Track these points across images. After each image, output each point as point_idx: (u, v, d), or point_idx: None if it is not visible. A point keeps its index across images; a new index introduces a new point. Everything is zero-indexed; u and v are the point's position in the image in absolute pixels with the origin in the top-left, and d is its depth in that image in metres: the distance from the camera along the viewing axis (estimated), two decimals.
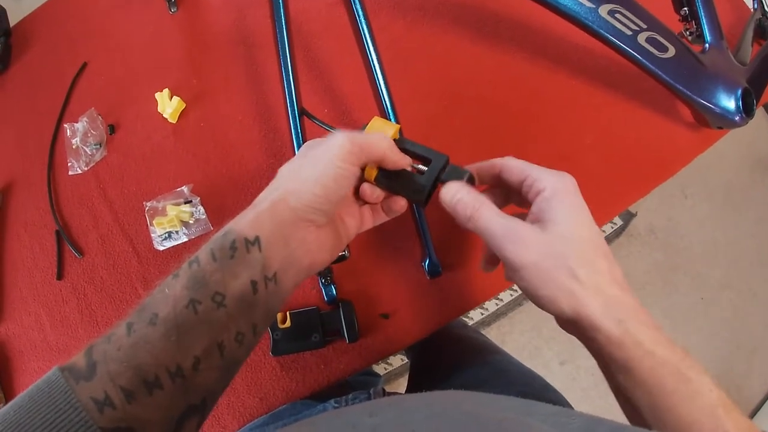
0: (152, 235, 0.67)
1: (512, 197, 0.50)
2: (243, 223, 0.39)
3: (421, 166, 0.48)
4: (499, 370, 0.69)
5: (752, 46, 0.68)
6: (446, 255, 0.62)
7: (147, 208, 0.68)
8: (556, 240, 0.41)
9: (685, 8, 0.64)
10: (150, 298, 0.36)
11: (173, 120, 0.72)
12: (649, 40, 0.57)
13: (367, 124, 0.49)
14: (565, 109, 0.68)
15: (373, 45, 0.65)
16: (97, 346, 0.34)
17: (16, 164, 0.76)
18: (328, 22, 0.74)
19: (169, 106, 0.71)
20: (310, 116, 0.60)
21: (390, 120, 0.63)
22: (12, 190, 0.74)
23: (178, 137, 0.72)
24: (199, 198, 0.67)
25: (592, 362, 0.42)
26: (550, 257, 0.40)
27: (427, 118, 0.68)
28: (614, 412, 0.39)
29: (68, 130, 0.74)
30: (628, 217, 1.88)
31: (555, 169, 0.45)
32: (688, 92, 0.59)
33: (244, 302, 0.37)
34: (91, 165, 0.72)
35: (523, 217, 0.45)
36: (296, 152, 0.58)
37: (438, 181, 0.47)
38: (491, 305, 1.76)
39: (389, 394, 0.62)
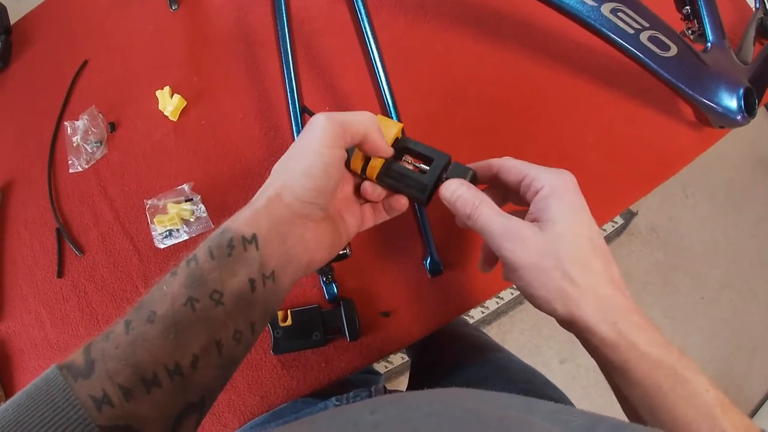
0: (153, 233, 0.67)
1: (510, 197, 0.50)
2: (240, 221, 0.39)
3: (423, 165, 0.48)
4: (500, 368, 0.69)
5: (754, 45, 0.68)
6: (447, 254, 0.62)
7: (148, 206, 0.68)
8: (553, 240, 0.41)
9: (687, 7, 0.64)
10: (148, 296, 0.36)
11: (174, 118, 0.72)
12: (651, 38, 0.57)
13: None
14: (567, 107, 0.68)
15: (374, 43, 0.65)
16: (95, 344, 0.34)
17: (16, 162, 0.75)
18: (330, 20, 0.74)
19: (169, 103, 0.71)
20: (311, 114, 0.60)
21: (392, 118, 0.64)
22: (12, 188, 0.74)
23: (179, 135, 0.72)
24: (199, 196, 0.67)
25: (592, 361, 0.42)
26: (547, 258, 0.40)
27: (428, 116, 0.68)
28: (614, 411, 0.39)
29: (69, 128, 0.73)
30: (629, 215, 1.88)
31: (556, 167, 0.45)
32: (690, 91, 0.58)
33: (242, 300, 0.37)
34: (92, 163, 0.72)
35: (522, 214, 0.45)
36: None
37: (440, 181, 0.47)
38: (492, 304, 1.76)
39: (390, 391, 0.62)
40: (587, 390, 1.62)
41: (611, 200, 0.64)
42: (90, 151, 0.72)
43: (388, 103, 0.64)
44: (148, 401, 0.33)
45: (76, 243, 0.69)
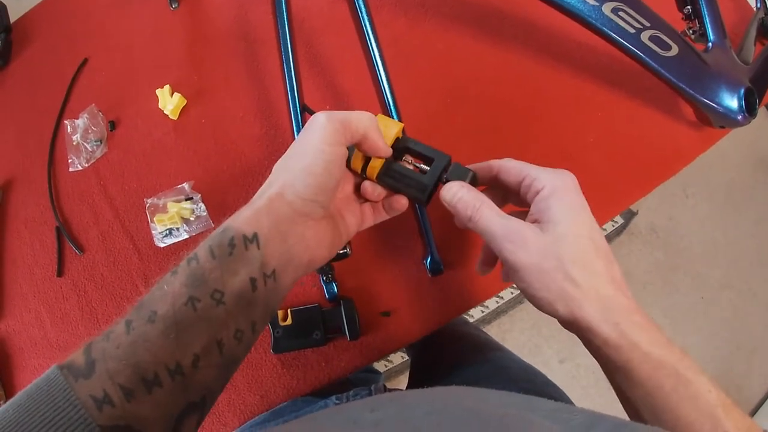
0: (153, 232, 0.67)
1: (510, 198, 0.50)
2: (241, 220, 0.39)
3: (423, 165, 0.48)
4: (500, 367, 0.69)
5: (755, 45, 0.68)
6: (448, 253, 0.62)
7: (148, 205, 0.68)
8: (555, 241, 0.41)
9: (689, 7, 0.64)
10: (149, 295, 0.36)
11: (174, 116, 0.72)
12: (652, 38, 0.57)
13: None
14: (568, 107, 0.68)
15: (375, 41, 0.65)
16: (95, 343, 0.34)
17: (16, 161, 0.75)
18: (330, 18, 0.73)
19: (170, 102, 0.71)
20: (312, 112, 0.60)
21: (393, 117, 0.63)
22: (12, 187, 0.74)
23: (179, 134, 0.72)
24: (200, 195, 0.67)
25: (592, 360, 0.42)
26: (548, 259, 0.40)
27: (429, 115, 0.68)
28: (614, 410, 0.39)
29: (69, 127, 0.73)
30: (629, 215, 1.88)
31: (557, 167, 0.45)
32: (691, 91, 0.58)
33: (243, 300, 0.37)
34: (92, 161, 0.72)
35: (522, 215, 0.45)
36: None
37: (440, 181, 0.47)
38: (492, 303, 1.76)
39: (390, 390, 0.62)
40: (587, 390, 1.62)
41: (612, 200, 0.64)
42: (90, 149, 0.72)
43: (388, 102, 0.64)
44: (149, 401, 0.33)
45: (76, 242, 0.69)
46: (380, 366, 1.67)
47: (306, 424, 0.38)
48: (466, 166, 0.48)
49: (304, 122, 0.63)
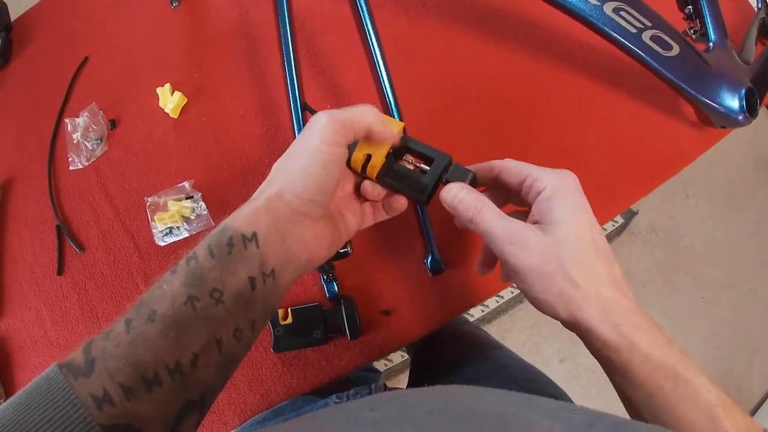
0: (153, 230, 0.67)
1: (511, 198, 0.50)
2: (240, 220, 0.39)
3: (423, 165, 0.48)
4: (500, 366, 0.69)
5: (756, 45, 0.68)
6: (448, 252, 0.62)
7: (148, 204, 0.68)
8: (556, 243, 0.41)
9: (690, 7, 0.64)
10: (148, 294, 0.36)
11: (175, 115, 0.72)
12: (653, 38, 0.57)
13: None
14: (569, 106, 0.68)
15: (376, 40, 0.65)
16: (95, 342, 0.34)
17: (16, 159, 0.75)
18: (331, 17, 0.73)
19: (170, 101, 0.71)
20: (313, 111, 0.60)
21: (394, 116, 0.63)
22: (12, 185, 0.74)
23: (180, 132, 0.72)
24: (200, 193, 0.67)
25: (592, 360, 0.42)
26: (550, 262, 0.40)
27: (430, 114, 0.68)
28: (614, 409, 0.39)
29: (69, 125, 0.73)
30: (630, 215, 1.88)
31: (558, 167, 0.45)
32: (692, 91, 0.58)
33: (242, 299, 0.37)
34: (92, 160, 0.72)
35: (523, 216, 0.45)
36: None
37: (440, 181, 0.47)
38: (492, 302, 1.76)
39: (390, 389, 0.62)
40: (587, 390, 1.61)
41: (612, 199, 0.64)
42: (90, 148, 0.72)
43: (389, 101, 0.64)
44: (148, 400, 0.33)
45: (77, 240, 0.69)
46: (380, 365, 1.67)
47: (306, 423, 0.38)
48: (467, 167, 0.48)
49: (305, 121, 0.63)
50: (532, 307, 0.43)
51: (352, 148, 0.46)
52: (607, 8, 0.57)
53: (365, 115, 0.44)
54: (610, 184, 0.64)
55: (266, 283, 0.39)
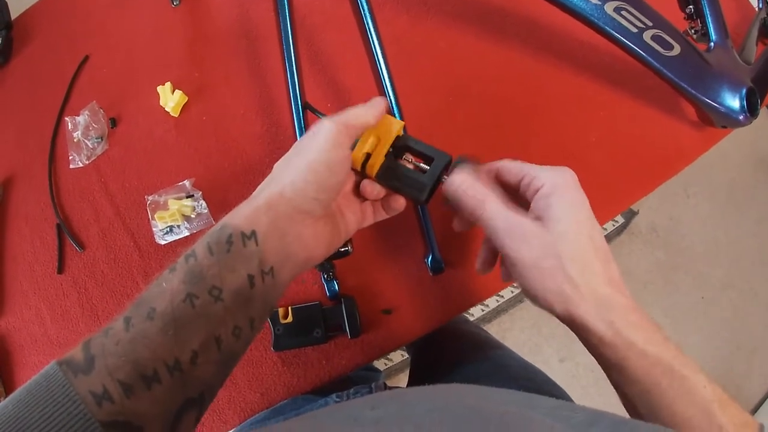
0: (154, 229, 0.67)
1: (510, 198, 0.50)
2: (239, 218, 0.40)
3: (423, 165, 0.48)
4: (500, 365, 0.69)
5: (757, 45, 0.67)
6: (449, 252, 0.62)
7: (148, 202, 0.68)
8: (555, 240, 0.41)
9: (691, 6, 0.64)
10: (147, 292, 0.37)
11: (175, 113, 0.72)
12: (654, 37, 0.57)
13: None
14: (570, 106, 0.68)
15: (377, 38, 0.65)
16: (94, 340, 0.34)
17: (17, 157, 0.75)
18: (332, 15, 0.73)
19: (171, 99, 0.71)
20: (314, 110, 0.60)
21: (394, 115, 0.63)
22: (13, 184, 0.74)
23: (180, 131, 0.72)
24: (200, 192, 0.67)
25: (592, 359, 0.42)
26: (548, 257, 0.40)
27: (431, 113, 0.68)
28: (614, 409, 0.39)
29: (69, 124, 0.73)
30: (630, 215, 1.88)
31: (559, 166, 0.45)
32: (693, 91, 0.58)
33: (241, 296, 0.38)
34: (93, 158, 0.72)
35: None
36: None
37: (440, 181, 0.47)
38: (492, 302, 1.76)
39: (391, 388, 0.62)
40: (587, 389, 1.61)
41: (613, 199, 0.64)
42: (91, 146, 0.72)
43: (390, 99, 0.64)
44: (148, 397, 0.33)
45: (77, 239, 0.69)
46: (380, 364, 1.67)
47: (306, 422, 0.38)
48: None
49: (305, 119, 0.63)
50: (533, 306, 0.43)
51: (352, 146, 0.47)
52: (609, 8, 0.57)
53: (364, 115, 0.45)
54: (610, 184, 0.64)
55: (265, 281, 0.39)
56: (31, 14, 0.84)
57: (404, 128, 0.49)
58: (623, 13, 0.57)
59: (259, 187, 0.44)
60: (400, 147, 0.49)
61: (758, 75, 0.61)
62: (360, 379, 0.85)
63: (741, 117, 0.58)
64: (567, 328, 0.42)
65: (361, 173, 0.49)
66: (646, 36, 0.57)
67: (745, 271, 1.85)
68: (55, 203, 0.71)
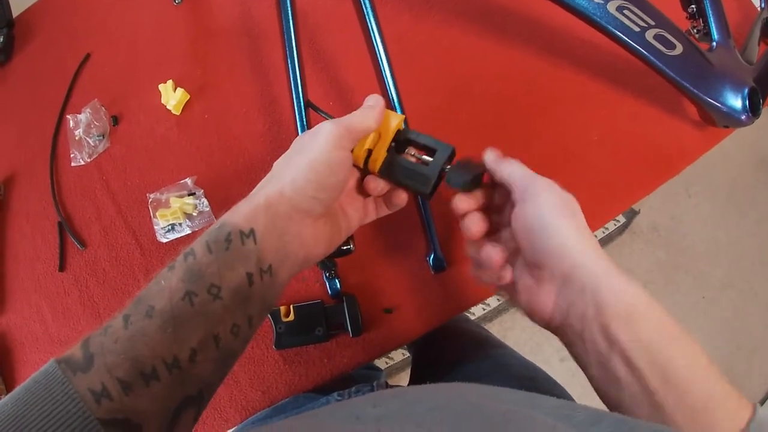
0: (155, 227, 0.67)
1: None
2: (238, 216, 0.40)
3: (426, 157, 0.48)
4: (501, 364, 0.69)
5: (759, 45, 0.67)
6: (451, 250, 0.62)
7: (150, 200, 0.68)
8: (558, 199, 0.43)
9: (693, 6, 0.63)
10: (146, 290, 0.37)
11: (177, 112, 0.72)
12: (656, 37, 0.57)
13: None
14: (572, 105, 0.68)
15: (380, 37, 0.65)
16: (93, 338, 0.34)
17: (18, 155, 0.75)
18: (334, 14, 0.73)
19: (172, 97, 0.71)
20: (316, 108, 0.60)
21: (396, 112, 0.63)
22: (14, 182, 0.74)
23: (182, 129, 0.72)
24: (202, 190, 0.67)
25: None
26: (558, 206, 0.42)
27: (433, 112, 0.67)
28: None
29: (71, 121, 0.73)
30: (631, 214, 1.88)
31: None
32: (695, 90, 0.58)
33: (240, 294, 0.38)
34: (94, 156, 0.72)
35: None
36: None
37: (443, 172, 0.47)
38: (493, 301, 1.76)
39: (392, 386, 0.62)
40: (587, 389, 1.59)
41: (615, 198, 0.64)
42: (92, 144, 0.72)
43: (392, 98, 0.64)
44: (146, 395, 0.33)
45: (78, 237, 0.69)
46: (381, 363, 1.67)
47: (308, 420, 0.38)
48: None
49: (307, 118, 0.62)
50: None
51: None
52: (611, 7, 0.57)
53: (365, 119, 0.45)
54: (612, 183, 0.64)
55: (263, 280, 0.39)
56: (33, 12, 0.84)
57: (405, 121, 0.49)
58: (626, 12, 0.57)
59: (258, 184, 0.44)
60: (401, 141, 0.49)
61: (760, 75, 0.61)
62: (361, 377, 0.85)
63: (743, 117, 0.58)
64: None
65: (363, 169, 0.48)
66: (649, 35, 0.57)
67: (745, 271, 1.85)
68: (57, 201, 0.71)
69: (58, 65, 0.79)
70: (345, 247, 0.52)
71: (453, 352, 0.77)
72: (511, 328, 1.76)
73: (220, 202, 0.67)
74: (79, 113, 0.73)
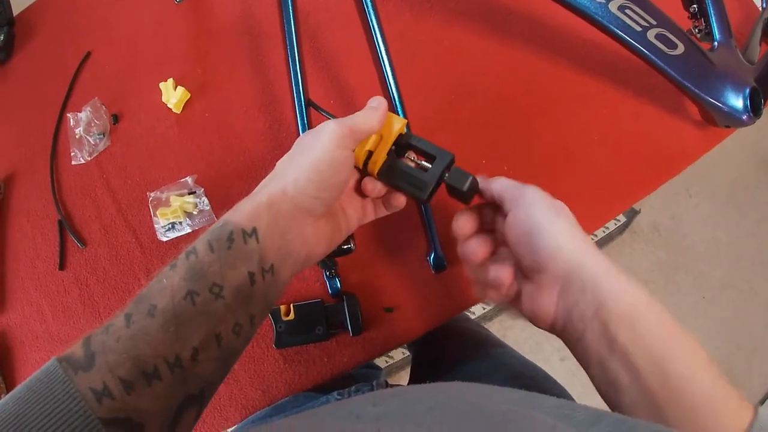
0: (156, 225, 0.67)
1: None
2: (240, 215, 0.40)
3: (425, 163, 0.48)
4: (501, 363, 0.69)
5: (760, 45, 0.67)
6: (451, 249, 0.61)
7: (150, 199, 0.68)
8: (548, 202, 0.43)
9: (695, 5, 0.63)
10: (147, 289, 0.37)
11: (177, 110, 0.72)
12: (658, 36, 0.57)
13: None
14: (573, 104, 0.67)
15: (381, 36, 0.65)
16: (94, 336, 0.34)
17: (18, 154, 0.75)
18: (336, 13, 0.73)
19: (173, 96, 0.71)
20: (317, 107, 0.60)
21: (397, 113, 0.63)
22: (14, 180, 0.74)
23: (183, 127, 0.72)
24: (203, 189, 0.67)
25: None
26: (549, 209, 0.43)
27: (434, 111, 0.67)
28: None
29: (71, 120, 0.73)
30: (632, 214, 1.88)
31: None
32: (697, 90, 0.58)
33: (242, 293, 0.38)
34: (95, 155, 0.72)
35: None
36: None
37: (442, 179, 0.47)
38: None
39: (392, 386, 0.62)
40: (587, 388, 1.59)
41: (616, 197, 0.64)
42: (93, 143, 0.72)
43: (393, 97, 0.64)
44: (148, 394, 0.33)
45: (78, 235, 0.69)
46: (381, 362, 1.67)
47: (308, 419, 0.38)
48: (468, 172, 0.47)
49: (308, 117, 0.62)
50: None
51: None
52: (613, 6, 0.57)
53: (368, 120, 0.45)
54: (613, 182, 0.64)
55: (265, 279, 0.39)
56: (34, 10, 0.84)
57: (407, 126, 0.49)
58: (627, 11, 0.57)
59: (260, 183, 0.44)
60: (402, 145, 0.49)
61: (762, 75, 0.61)
62: (361, 376, 0.85)
63: (744, 117, 0.58)
64: None
65: (362, 171, 0.48)
66: (650, 35, 0.57)
67: (745, 271, 1.85)
68: (57, 200, 0.71)
69: (58, 63, 0.79)
70: (345, 246, 0.52)
71: (453, 352, 0.77)
72: (511, 327, 1.76)
73: (221, 201, 0.67)
74: (80, 111, 0.73)
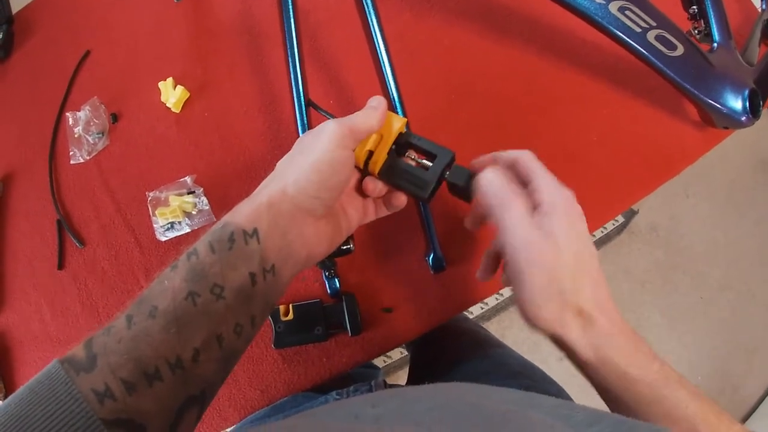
0: (154, 225, 0.67)
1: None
2: (241, 216, 0.40)
3: (426, 162, 0.48)
4: (499, 363, 0.69)
5: (759, 46, 0.67)
6: (450, 250, 0.62)
7: (149, 198, 0.67)
8: (555, 259, 0.41)
9: (694, 7, 0.63)
10: (148, 290, 0.37)
11: (177, 109, 0.72)
12: (658, 37, 0.57)
13: None
14: (572, 105, 0.68)
15: (381, 36, 0.65)
16: (96, 338, 0.34)
17: (17, 153, 0.75)
18: (336, 12, 0.73)
19: (172, 95, 0.71)
20: (317, 107, 0.59)
21: (397, 112, 0.63)
22: (13, 179, 0.74)
23: (182, 127, 0.72)
24: (202, 188, 0.67)
25: None
26: (552, 283, 0.40)
27: (434, 111, 0.67)
28: None
29: (70, 119, 0.73)
30: (630, 214, 1.88)
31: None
32: (696, 91, 0.58)
33: (243, 294, 0.38)
34: (93, 154, 0.72)
35: None
36: None
37: (443, 177, 0.47)
38: (492, 300, 1.76)
39: (391, 386, 0.62)
40: (585, 388, 1.59)
41: (614, 198, 0.64)
42: (92, 142, 0.72)
43: (393, 97, 0.64)
44: (150, 395, 0.33)
45: (77, 235, 0.69)
46: (379, 361, 1.67)
47: (307, 419, 0.38)
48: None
49: (308, 117, 0.62)
50: None
51: None
52: (613, 7, 0.57)
53: (368, 120, 0.45)
54: (612, 183, 0.64)
55: (266, 279, 0.39)
56: (33, 9, 0.84)
57: (407, 125, 0.49)
58: (627, 12, 0.57)
59: (261, 184, 0.44)
60: (402, 144, 0.49)
61: (761, 76, 0.61)
62: (359, 376, 0.85)
63: (743, 118, 0.58)
64: None
65: (363, 170, 0.48)
66: (650, 36, 0.57)
67: (743, 272, 1.86)
68: (56, 199, 0.71)
69: (57, 62, 0.79)
70: (345, 247, 0.52)
71: (451, 351, 0.77)
72: (509, 327, 1.76)
73: (220, 201, 0.67)
74: (79, 111, 0.73)
